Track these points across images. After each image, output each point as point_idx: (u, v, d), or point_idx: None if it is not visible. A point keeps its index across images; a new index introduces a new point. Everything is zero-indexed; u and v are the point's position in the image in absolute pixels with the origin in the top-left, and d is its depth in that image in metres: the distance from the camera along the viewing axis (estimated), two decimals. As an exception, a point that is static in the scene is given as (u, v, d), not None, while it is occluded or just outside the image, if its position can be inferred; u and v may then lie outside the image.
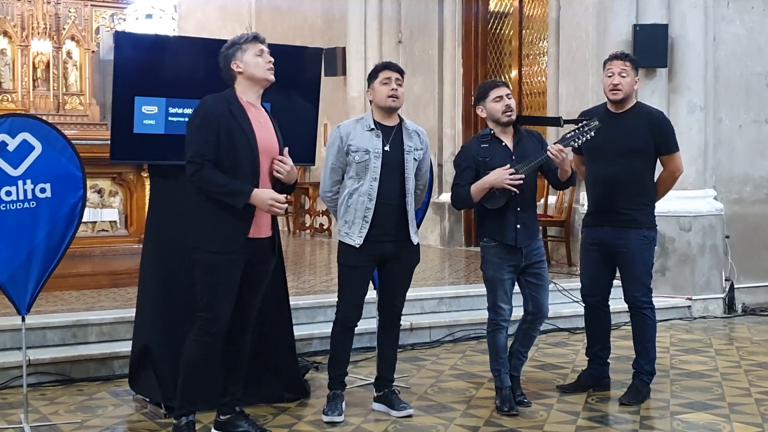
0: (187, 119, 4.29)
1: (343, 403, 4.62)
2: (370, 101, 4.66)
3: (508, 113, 4.71)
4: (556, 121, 5.68)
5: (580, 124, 4.73)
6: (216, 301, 4.08)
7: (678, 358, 6.08)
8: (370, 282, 4.77)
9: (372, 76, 4.63)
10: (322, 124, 9.03)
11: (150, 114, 4.77)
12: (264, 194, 4.03)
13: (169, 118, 4.81)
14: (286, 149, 4.20)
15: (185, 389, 4.18)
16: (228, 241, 4.04)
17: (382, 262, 4.61)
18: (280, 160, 4.15)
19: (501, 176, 4.59)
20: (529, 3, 10.00)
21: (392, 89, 4.55)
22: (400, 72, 4.63)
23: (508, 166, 4.62)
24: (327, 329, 5.96)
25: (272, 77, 4.21)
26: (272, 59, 4.21)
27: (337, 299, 4.66)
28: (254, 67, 4.15)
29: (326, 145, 4.66)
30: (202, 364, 4.16)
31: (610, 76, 4.97)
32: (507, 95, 4.73)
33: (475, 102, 4.88)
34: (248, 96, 4.18)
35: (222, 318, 4.10)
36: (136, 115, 4.74)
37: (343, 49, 11.84)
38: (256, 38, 4.21)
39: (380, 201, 4.51)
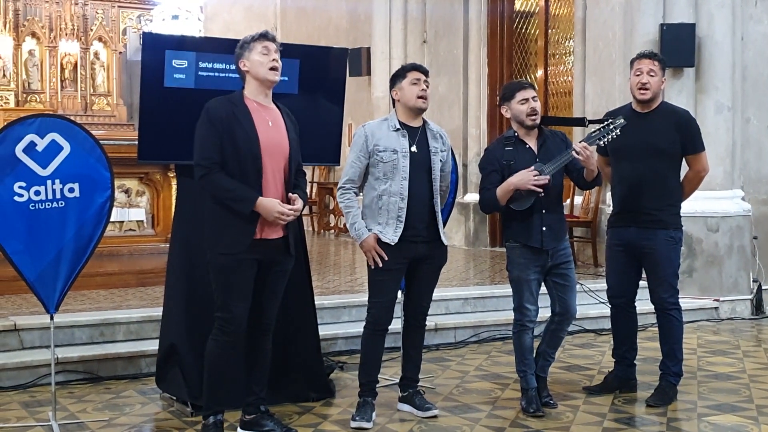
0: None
1: (374, 412, 4.58)
2: (396, 101, 4.65)
3: (533, 117, 4.70)
4: (580, 122, 5.67)
5: (606, 122, 4.71)
6: (230, 301, 4.10)
7: (705, 360, 6.04)
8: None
9: (399, 76, 4.63)
10: (346, 125, 9.06)
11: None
12: (270, 205, 4.02)
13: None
14: (297, 198, 4.16)
15: (209, 389, 4.21)
16: (233, 242, 4.06)
17: (413, 263, 4.60)
18: (291, 208, 4.10)
19: (525, 177, 4.58)
20: (555, 2, 9.97)
21: (422, 89, 4.55)
22: (427, 74, 4.64)
23: (533, 168, 4.61)
24: (352, 329, 6.03)
25: (275, 77, 4.16)
26: (277, 58, 4.16)
27: (367, 301, 4.64)
28: (258, 65, 4.12)
29: (351, 143, 4.66)
30: (223, 364, 4.18)
31: (638, 75, 4.94)
32: (533, 98, 4.71)
33: (500, 102, 4.87)
34: (257, 95, 4.17)
35: (238, 318, 4.12)
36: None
37: (368, 49, 11.85)
38: (263, 36, 4.16)
39: (411, 201, 4.51)
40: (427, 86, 4.59)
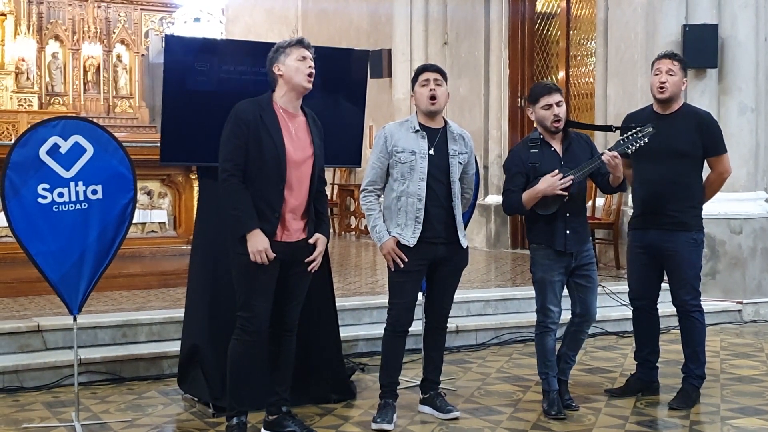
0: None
1: (395, 414, 4.59)
2: (416, 105, 4.67)
3: (556, 123, 4.68)
4: (607, 128, 5.63)
5: (635, 130, 4.68)
6: (251, 299, 4.13)
7: (728, 363, 5.99)
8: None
9: (413, 80, 4.65)
10: (367, 126, 9.07)
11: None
12: (259, 242, 4.03)
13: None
14: (319, 239, 4.25)
15: (233, 389, 4.23)
16: None
17: (432, 265, 4.60)
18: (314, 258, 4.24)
19: (552, 183, 4.56)
20: (577, 3, 9.92)
21: (431, 90, 4.54)
22: (439, 71, 4.62)
23: (557, 171, 4.59)
24: (373, 331, 6.03)
25: (309, 85, 4.20)
26: (312, 65, 4.20)
27: (387, 303, 4.65)
28: (294, 71, 4.15)
29: (372, 145, 4.68)
30: (246, 364, 4.20)
31: (657, 75, 4.93)
32: (557, 103, 4.67)
33: (526, 102, 4.86)
34: (285, 101, 4.19)
35: (260, 317, 4.14)
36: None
37: (389, 51, 11.84)
38: (300, 42, 4.21)
39: (429, 202, 4.52)
40: (439, 85, 4.58)
